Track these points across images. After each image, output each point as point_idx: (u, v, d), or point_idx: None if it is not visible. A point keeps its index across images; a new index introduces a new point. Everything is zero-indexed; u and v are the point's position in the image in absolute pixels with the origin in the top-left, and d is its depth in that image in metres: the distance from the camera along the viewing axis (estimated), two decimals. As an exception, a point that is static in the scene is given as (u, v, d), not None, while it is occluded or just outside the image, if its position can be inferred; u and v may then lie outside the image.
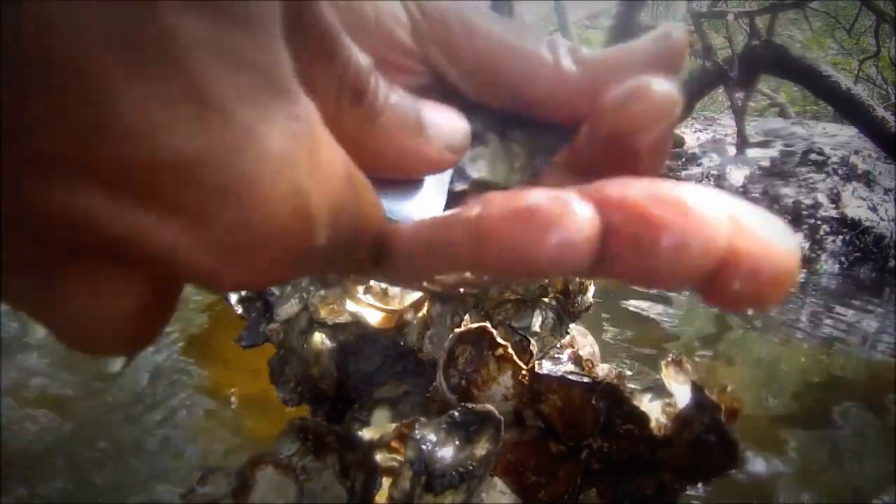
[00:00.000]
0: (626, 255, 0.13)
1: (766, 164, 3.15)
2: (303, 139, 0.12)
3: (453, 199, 0.19)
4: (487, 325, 0.40)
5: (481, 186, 0.19)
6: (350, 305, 0.47)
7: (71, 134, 0.10)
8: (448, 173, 0.19)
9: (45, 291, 0.12)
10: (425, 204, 0.18)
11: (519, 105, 0.19)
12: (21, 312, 0.13)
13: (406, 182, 0.18)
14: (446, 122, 0.17)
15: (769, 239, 0.14)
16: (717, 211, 0.13)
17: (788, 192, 2.94)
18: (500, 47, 0.18)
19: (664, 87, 0.15)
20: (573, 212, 0.13)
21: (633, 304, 1.65)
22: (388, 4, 0.18)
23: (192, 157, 0.10)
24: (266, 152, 0.11)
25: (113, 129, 0.10)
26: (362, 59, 0.15)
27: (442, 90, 0.19)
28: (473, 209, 0.14)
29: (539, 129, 0.19)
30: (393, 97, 0.16)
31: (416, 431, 0.34)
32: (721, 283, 0.13)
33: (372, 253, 0.17)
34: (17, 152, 0.09)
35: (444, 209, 0.18)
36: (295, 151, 0.12)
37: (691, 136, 3.59)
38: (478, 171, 0.19)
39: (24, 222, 0.10)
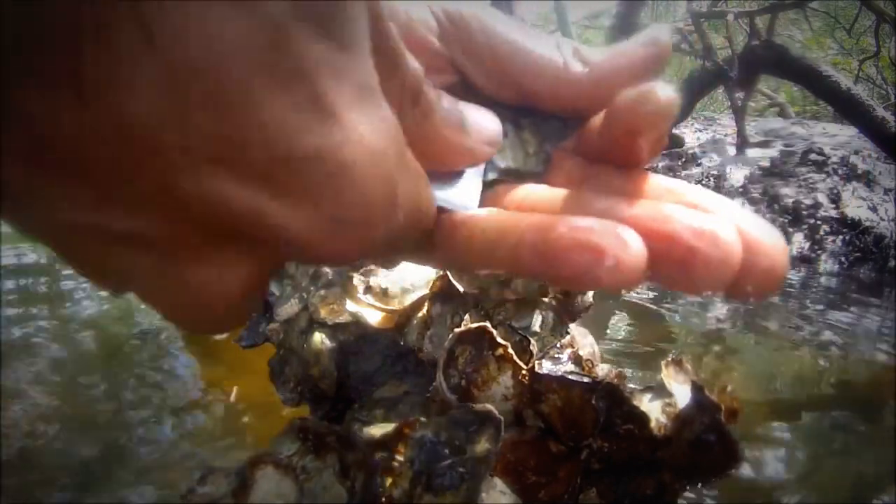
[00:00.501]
0: (669, 275, 0.16)
1: (766, 164, 3.15)
2: (391, 136, 0.15)
3: (486, 188, 0.21)
4: (487, 325, 0.40)
5: (508, 174, 0.22)
6: (350, 305, 0.47)
7: (221, 135, 0.12)
8: (482, 166, 0.21)
9: (175, 270, 0.14)
10: (466, 192, 0.21)
11: (530, 99, 0.22)
12: (143, 297, 0.15)
13: (448, 173, 0.20)
14: (483, 121, 0.20)
15: (767, 245, 0.17)
16: (735, 237, 0.16)
17: (788, 192, 2.94)
18: (515, 49, 0.21)
19: (667, 92, 0.18)
20: (628, 245, 0.15)
21: (634, 302, 1.65)
22: (419, 10, 0.21)
23: (312, 151, 0.13)
24: (366, 146, 0.14)
25: (256, 131, 0.12)
26: (416, 64, 0.17)
27: (465, 88, 0.22)
28: (544, 227, 0.17)
29: (544, 118, 0.22)
30: (442, 95, 0.19)
31: (416, 431, 0.34)
32: (737, 287, 0.17)
33: (426, 237, 0.19)
34: (176, 148, 0.12)
35: (481, 196, 0.21)
36: (386, 146, 0.15)
37: (691, 136, 3.59)
38: (503, 160, 0.22)
39: (179, 206, 0.13)
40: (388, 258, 0.23)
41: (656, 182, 0.20)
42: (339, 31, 0.13)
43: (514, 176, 0.22)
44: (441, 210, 0.20)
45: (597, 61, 0.21)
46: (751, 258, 0.17)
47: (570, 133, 0.22)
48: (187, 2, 0.11)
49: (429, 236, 0.20)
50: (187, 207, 0.13)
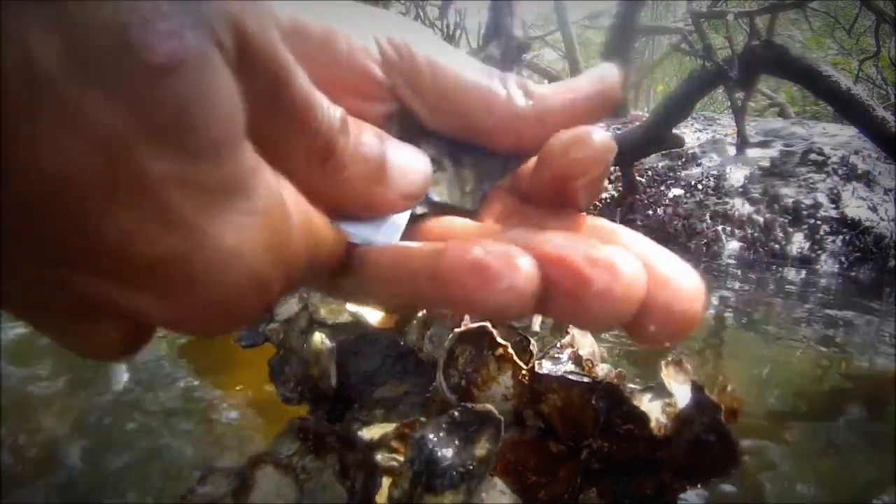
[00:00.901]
0: (562, 303, 0.16)
1: (766, 164, 3.15)
2: (256, 229, 0.14)
3: (415, 220, 0.21)
4: (487, 324, 0.40)
5: (440, 208, 0.21)
6: (350, 305, 0.47)
7: (71, 244, 0.12)
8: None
9: (64, 327, 0.16)
10: (386, 229, 0.20)
11: (472, 134, 0.21)
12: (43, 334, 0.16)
13: None
14: (410, 166, 0.19)
15: (678, 285, 0.16)
16: (638, 271, 0.16)
17: (788, 192, 2.94)
18: (459, 81, 0.20)
19: (602, 137, 0.17)
20: (519, 267, 0.15)
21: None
22: (361, 37, 0.20)
23: (161, 257, 0.13)
24: (219, 249, 0.14)
25: (99, 241, 0.12)
26: (333, 114, 0.17)
27: (405, 117, 0.21)
28: (437, 253, 0.16)
29: (485, 156, 0.22)
30: (362, 144, 0.18)
31: (416, 431, 0.34)
32: (640, 326, 0.16)
33: (331, 275, 0.19)
34: (35, 259, 0.13)
35: (405, 230, 0.20)
36: (246, 243, 0.14)
37: (691, 136, 3.59)
38: (438, 195, 0.21)
39: (42, 294, 0.14)
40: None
41: (591, 224, 0.19)
42: (188, 140, 0.12)
43: (447, 212, 0.21)
44: (355, 246, 0.19)
45: (542, 95, 0.20)
46: (657, 296, 0.16)
47: (510, 172, 0.22)
48: (36, 137, 0.11)
49: (336, 272, 0.19)
50: (67, 296, 0.14)
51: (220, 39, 0.13)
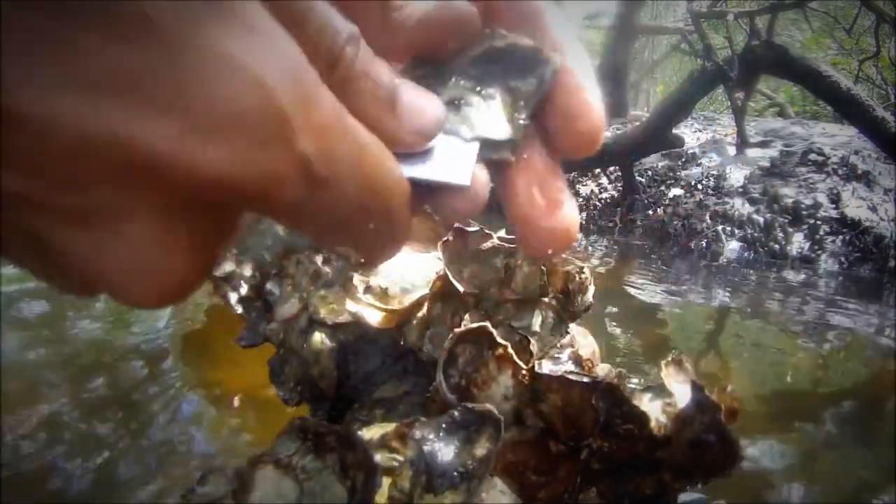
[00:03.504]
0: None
1: (765, 164, 3.15)
2: (270, 47, 0.14)
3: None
4: (487, 325, 0.40)
5: (482, 144, 0.21)
6: (350, 305, 0.47)
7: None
8: (475, 139, 0.20)
9: (108, 246, 0.14)
10: (454, 166, 0.20)
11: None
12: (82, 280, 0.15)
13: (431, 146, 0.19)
14: (421, 107, 0.19)
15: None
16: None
17: (788, 192, 2.94)
18: None
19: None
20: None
21: (633, 299, 1.65)
22: None
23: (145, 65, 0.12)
24: (217, 56, 0.13)
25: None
26: (341, 26, 0.16)
27: (418, 65, 0.21)
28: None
29: (515, 84, 0.21)
30: (372, 65, 0.17)
31: (416, 431, 0.34)
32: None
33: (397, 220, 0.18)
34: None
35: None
36: (257, 58, 0.14)
37: (691, 136, 3.59)
38: (471, 129, 0.21)
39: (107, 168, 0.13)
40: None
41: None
42: None
43: (488, 146, 0.21)
44: (421, 187, 0.19)
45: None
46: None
47: (543, 98, 0.21)
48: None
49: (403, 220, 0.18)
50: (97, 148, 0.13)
51: None
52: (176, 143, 0.13)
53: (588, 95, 0.21)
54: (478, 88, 0.21)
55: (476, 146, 0.20)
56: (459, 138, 0.20)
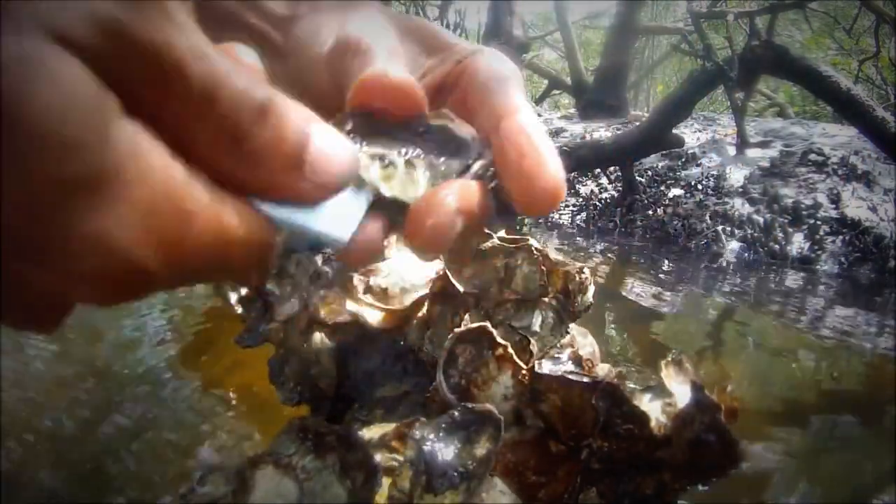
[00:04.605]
0: None
1: (765, 164, 3.15)
2: (127, 214, 0.15)
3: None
4: (487, 324, 0.40)
5: (388, 202, 0.21)
6: (350, 305, 0.47)
7: None
8: (366, 188, 0.20)
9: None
10: (337, 219, 0.19)
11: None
12: None
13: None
14: (333, 152, 0.19)
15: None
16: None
17: (788, 193, 2.94)
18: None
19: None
20: None
21: (634, 298, 1.65)
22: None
23: (27, 241, 0.14)
24: (81, 234, 0.14)
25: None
26: (252, 96, 0.17)
27: (357, 116, 0.22)
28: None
29: (444, 159, 0.22)
30: (285, 125, 0.17)
31: (416, 431, 0.34)
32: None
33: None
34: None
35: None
36: (113, 228, 0.14)
37: (691, 136, 3.59)
38: (389, 189, 0.21)
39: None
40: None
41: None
42: (29, 134, 0.13)
43: (394, 206, 0.21)
44: (298, 233, 0.19)
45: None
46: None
47: (469, 177, 0.22)
48: None
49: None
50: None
51: (64, 35, 0.13)
52: (63, 289, 0.15)
53: (543, 157, 0.22)
54: (404, 153, 0.21)
55: (365, 201, 0.20)
56: (360, 192, 0.20)
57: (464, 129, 0.22)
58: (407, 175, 0.21)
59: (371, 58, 0.23)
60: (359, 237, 0.20)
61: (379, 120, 0.22)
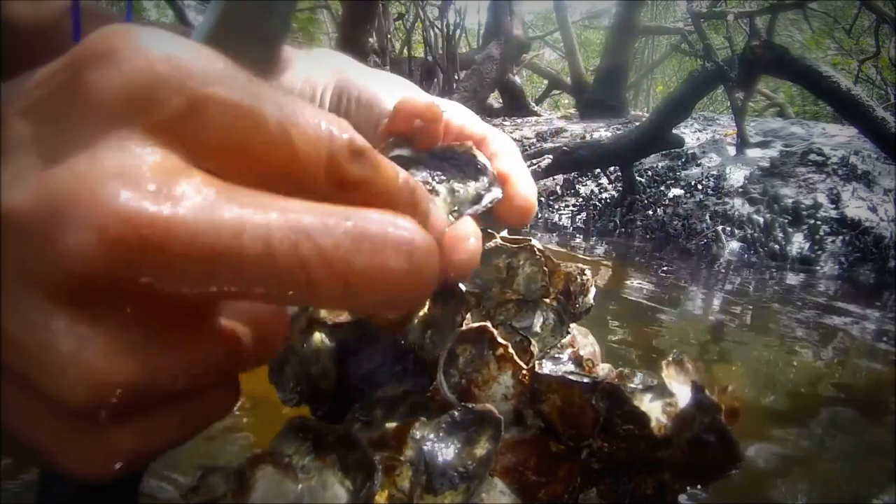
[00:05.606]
0: None
1: (765, 164, 3.15)
2: (96, 338, 0.17)
3: None
4: (488, 324, 0.40)
5: None
6: (350, 305, 0.47)
7: None
8: None
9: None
10: None
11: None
12: None
13: None
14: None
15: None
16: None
17: (788, 193, 2.94)
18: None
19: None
20: None
21: (634, 300, 1.65)
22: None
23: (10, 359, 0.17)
24: (57, 355, 0.16)
25: None
26: (337, 134, 0.19)
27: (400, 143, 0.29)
28: None
29: (462, 183, 0.29)
30: (382, 164, 0.21)
31: (416, 431, 0.34)
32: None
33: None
34: None
35: None
36: (86, 350, 0.16)
37: (691, 136, 3.59)
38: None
39: None
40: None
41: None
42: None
43: None
44: None
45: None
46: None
47: (485, 205, 0.29)
48: None
49: None
50: None
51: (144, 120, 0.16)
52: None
53: (520, 187, 0.30)
54: (432, 177, 0.25)
55: None
56: None
57: (480, 154, 0.26)
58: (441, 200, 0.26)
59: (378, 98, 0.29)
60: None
61: (409, 145, 0.25)
